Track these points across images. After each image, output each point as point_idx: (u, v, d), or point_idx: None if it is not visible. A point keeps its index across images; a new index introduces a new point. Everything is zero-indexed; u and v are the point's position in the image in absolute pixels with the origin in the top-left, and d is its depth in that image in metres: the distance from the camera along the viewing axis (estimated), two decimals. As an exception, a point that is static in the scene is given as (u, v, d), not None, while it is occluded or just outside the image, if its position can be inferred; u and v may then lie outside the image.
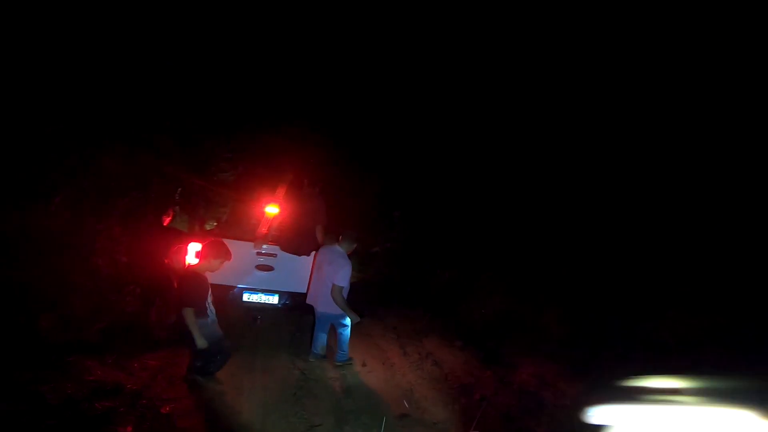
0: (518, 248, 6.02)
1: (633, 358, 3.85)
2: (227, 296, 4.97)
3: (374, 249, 7.92)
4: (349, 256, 4.30)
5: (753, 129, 4.47)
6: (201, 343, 3.43)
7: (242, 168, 7.31)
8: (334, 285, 4.08)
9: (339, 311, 4.17)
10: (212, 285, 3.72)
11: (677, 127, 4.98)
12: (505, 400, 3.92)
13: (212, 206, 6.80)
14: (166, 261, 4.75)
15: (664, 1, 5.01)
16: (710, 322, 3.97)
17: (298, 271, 5.09)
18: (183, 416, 3.26)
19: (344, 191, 7.40)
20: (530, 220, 6.14)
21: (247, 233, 5.41)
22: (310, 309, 4.50)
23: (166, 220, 5.78)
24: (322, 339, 4.48)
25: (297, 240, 5.14)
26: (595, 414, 2.98)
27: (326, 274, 4.19)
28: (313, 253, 4.98)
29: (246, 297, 5.11)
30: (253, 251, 5.08)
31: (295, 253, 5.12)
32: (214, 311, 3.70)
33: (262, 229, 5.36)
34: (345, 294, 4.17)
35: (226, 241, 3.85)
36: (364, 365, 4.56)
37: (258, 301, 5.16)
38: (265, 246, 5.14)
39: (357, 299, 4.37)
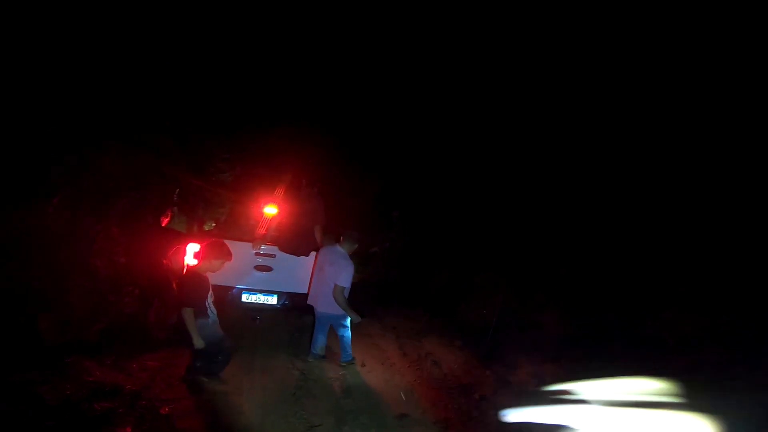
0: (518, 248, 6.02)
1: (632, 357, 3.85)
2: (226, 297, 4.96)
3: (373, 249, 7.93)
4: (350, 256, 4.30)
5: (752, 129, 4.48)
6: (198, 343, 3.43)
7: (240, 168, 7.30)
8: (336, 285, 4.08)
9: (339, 312, 4.17)
10: (212, 285, 3.72)
11: (677, 127, 4.98)
12: (505, 400, 3.91)
13: (211, 207, 6.78)
14: (164, 262, 4.75)
15: (664, 1, 5.02)
16: (710, 322, 3.98)
17: (297, 272, 5.10)
18: (182, 417, 3.26)
19: (343, 191, 7.40)
20: (529, 220, 6.14)
21: (245, 234, 5.40)
22: (310, 309, 4.50)
23: (165, 221, 5.77)
24: (321, 339, 4.49)
25: (296, 240, 5.14)
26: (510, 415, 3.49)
27: (328, 275, 4.19)
28: (313, 253, 4.99)
29: (245, 297, 5.11)
30: (251, 252, 5.08)
31: (293, 254, 5.12)
32: (215, 312, 3.69)
33: (261, 230, 5.35)
34: (346, 294, 4.17)
35: (225, 242, 3.84)
36: (363, 365, 4.56)
37: (257, 301, 5.15)
38: (263, 246, 5.14)
39: (356, 299, 4.37)
